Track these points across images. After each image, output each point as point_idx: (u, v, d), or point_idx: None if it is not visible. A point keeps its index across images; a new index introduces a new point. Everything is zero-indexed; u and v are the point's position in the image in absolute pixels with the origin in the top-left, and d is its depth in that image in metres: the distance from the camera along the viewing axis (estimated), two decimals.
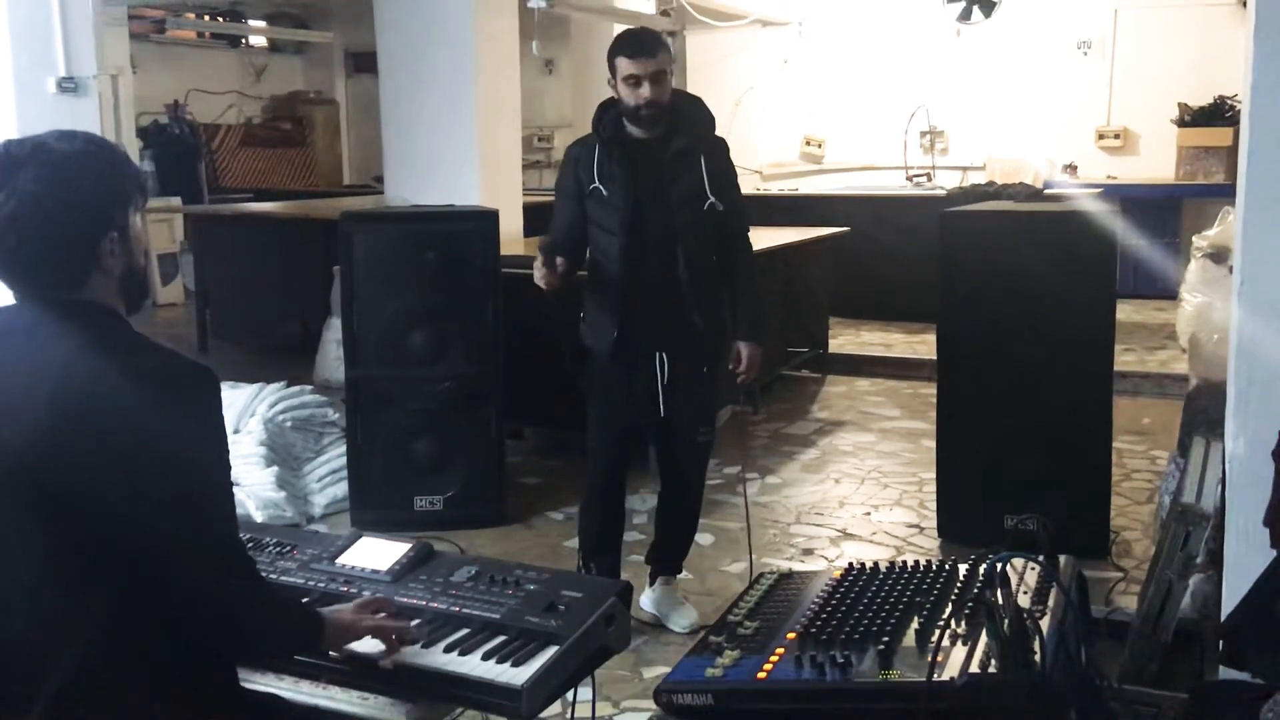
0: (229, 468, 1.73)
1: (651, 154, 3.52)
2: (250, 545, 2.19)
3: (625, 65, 3.45)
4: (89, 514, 1.61)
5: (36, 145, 1.69)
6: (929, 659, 1.72)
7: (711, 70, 10.24)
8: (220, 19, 12.58)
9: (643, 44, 3.47)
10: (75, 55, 4.67)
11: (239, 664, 1.85)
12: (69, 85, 4.66)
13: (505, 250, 4.95)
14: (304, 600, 2.06)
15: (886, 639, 1.82)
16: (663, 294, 3.53)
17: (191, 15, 12.09)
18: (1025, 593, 1.96)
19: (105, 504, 1.61)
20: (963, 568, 2.11)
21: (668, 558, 3.88)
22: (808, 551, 4.49)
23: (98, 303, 1.72)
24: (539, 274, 3.44)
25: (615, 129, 3.52)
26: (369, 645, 1.90)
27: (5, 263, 1.69)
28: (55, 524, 1.62)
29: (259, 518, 4.51)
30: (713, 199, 3.53)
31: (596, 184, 3.49)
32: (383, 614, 1.94)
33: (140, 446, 1.61)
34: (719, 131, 3.72)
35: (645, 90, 3.42)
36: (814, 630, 1.91)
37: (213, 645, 1.74)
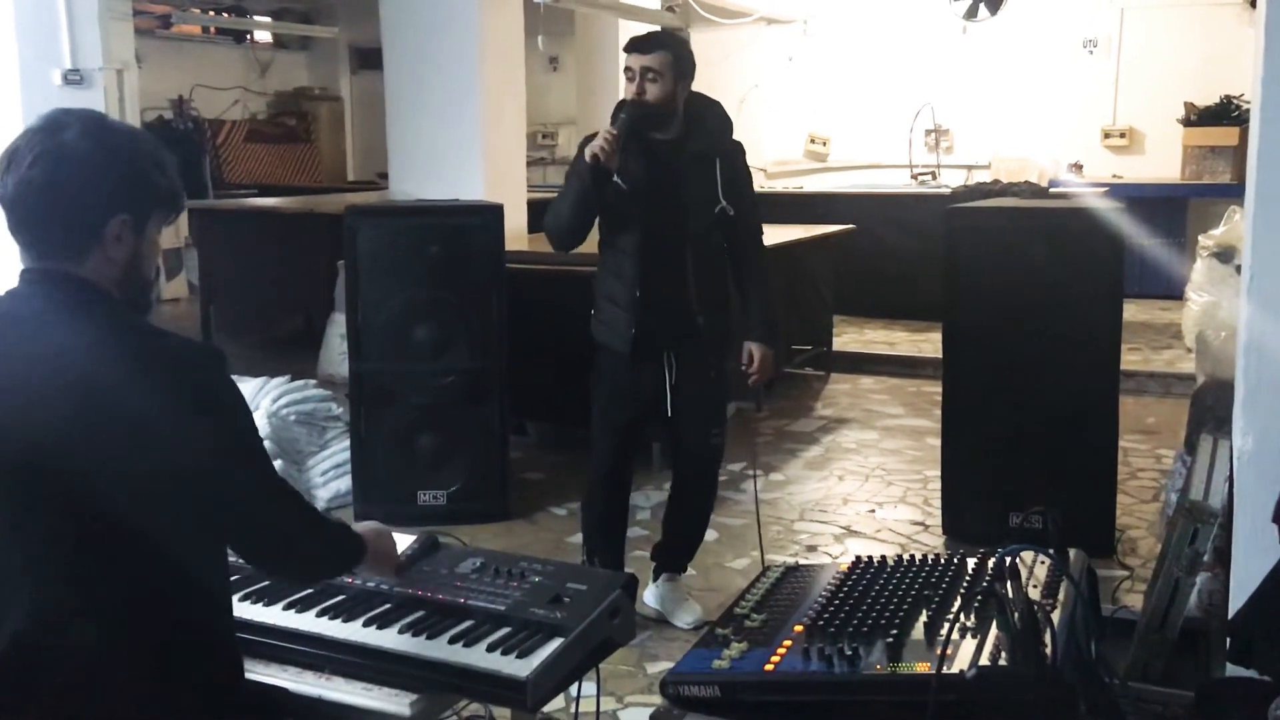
0: (256, 433, 1.80)
1: (667, 154, 3.52)
2: None
3: (624, 58, 3.51)
4: (106, 506, 1.60)
5: (90, 113, 1.72)
6: (938, 651, 1.70)
7: (716, 68, 10.19)
8: (225, 14, 12.57)
9: (641, 40, 3.50)
10: (80, 48, 4.67)
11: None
12: (74, 78, 4.65)
13: (509, 246, 4.94)
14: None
15: (895, 631, 1.81)
16: (671, 294, 3.53)
17: (197, 10, 12.09)
18: (1035, 586, 1.95)
19: (127, 495, 1.61)
20: (971, 561, 2.10)
21: (675, 556, 3.86)
22: (811, 548, 4.48)
23: (98, 285, 1.70)
24: (602, 139, 3.34)
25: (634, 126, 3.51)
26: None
27: (23, 212, 1.67)
28: (69, 516, 1.61)
29: None
30: (724, 203, 3.53)
31: (616, 179, 3.47)
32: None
33: (166, 436, 1.62)
34: None
35: (633, 85, 3.45)
36: (822, 622, 1.90)
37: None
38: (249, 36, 13.38)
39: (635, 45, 3.48)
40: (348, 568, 2.00)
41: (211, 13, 12.53)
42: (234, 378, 1.80)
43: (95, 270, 1.70)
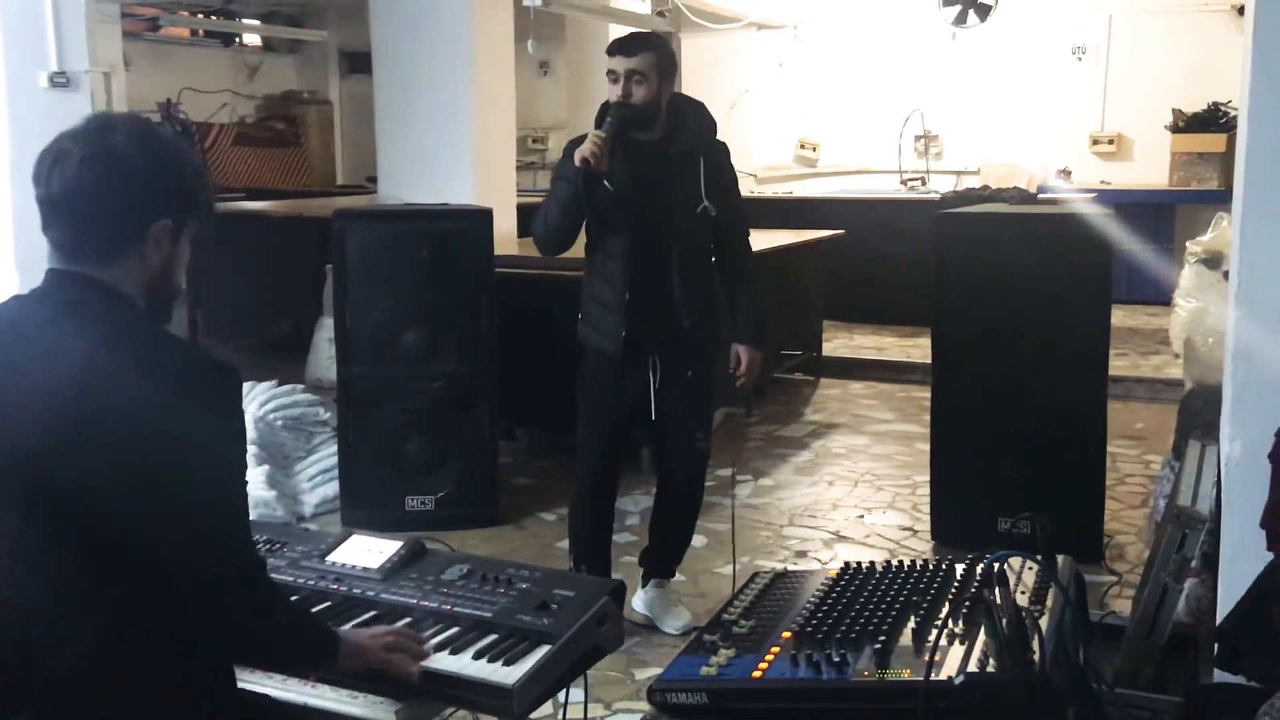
0: (245, 469, 1.71)
1: (652, 155, 3.51)
2: None
3: (607, 61, 3.51)
4: (102, 515, 1.59)
5: (135, 117, 1.75)
6: (926, 658, 1.70)
7: (707, 73, 10.22)
8: (214, 17, 12.52)
9: (624, 43, 3.50)
10: (67, 50, 4.64)
11: (247, 667, 1.82)
12: (61, 80, 4.62)
13: (499, 250, 4.93)
14: (322, 613, 2.02)
15: (883, 638, 1.80)
16: (656, 296, 3.52)
17: (185, 13, 12.04)
18: (1023, 592, 1.94)
19: (121, 504, 1.58)
20: (960, 567, 2.09)
21: (662, 561, 3.85)
22: (800, 554, 4.47)
23: (120, 291, 1.68)
24: (591, 143, 3.34)
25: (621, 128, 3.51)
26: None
27: (67, 210, 1.66)
28: (65, 524, 1.60)
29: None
30: (706, 203, 3.53)
31: (604, 182, 3.46)
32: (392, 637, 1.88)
33: (160, 446, 1.58)
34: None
35: (618, 88, 3.44)
36: (810, 629, 1.89)
37: (219, 648, 1.73)
38: (237, 39, 13.33)
39: (619, 48, 3.48)
40: (305, 661, 1.83)
41: (200, 15, 12.47)
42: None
43: (124, 275, 1.69)
